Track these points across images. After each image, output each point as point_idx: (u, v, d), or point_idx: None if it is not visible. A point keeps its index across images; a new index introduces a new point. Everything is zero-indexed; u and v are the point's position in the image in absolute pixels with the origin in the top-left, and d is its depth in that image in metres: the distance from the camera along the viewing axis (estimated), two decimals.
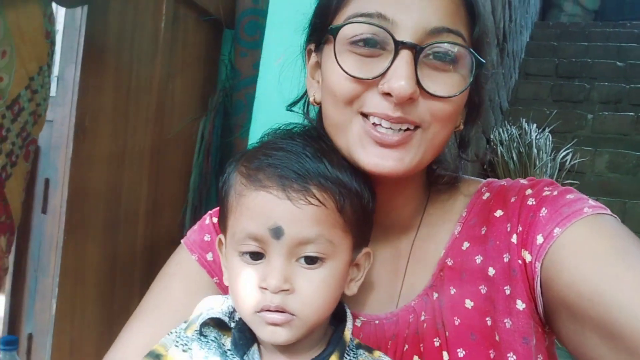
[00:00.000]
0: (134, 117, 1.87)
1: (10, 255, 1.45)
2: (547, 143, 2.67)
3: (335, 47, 0.69)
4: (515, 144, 2.53)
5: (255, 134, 1.48)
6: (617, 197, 2.66)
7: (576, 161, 2.83)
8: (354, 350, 0.68)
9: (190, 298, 0.78)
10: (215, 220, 0.85)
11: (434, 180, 0.83)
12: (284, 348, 0.65)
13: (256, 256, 0.64)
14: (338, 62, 0.68)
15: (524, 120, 2.75)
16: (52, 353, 1.63)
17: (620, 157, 3.06)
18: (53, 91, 1.67)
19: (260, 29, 2.16)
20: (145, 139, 1.93)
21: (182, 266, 0.84)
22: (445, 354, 0.71)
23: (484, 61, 0.70)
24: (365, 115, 0.68)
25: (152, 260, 1.93)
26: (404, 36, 0.66)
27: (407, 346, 0.74)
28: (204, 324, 0.67)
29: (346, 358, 0.67)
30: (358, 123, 0.69)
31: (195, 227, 0.88)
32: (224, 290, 0.80)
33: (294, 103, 0.87)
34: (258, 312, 0.62)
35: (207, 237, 0.84)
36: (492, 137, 2.49)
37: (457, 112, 0.72)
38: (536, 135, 2.62)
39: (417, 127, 0.68)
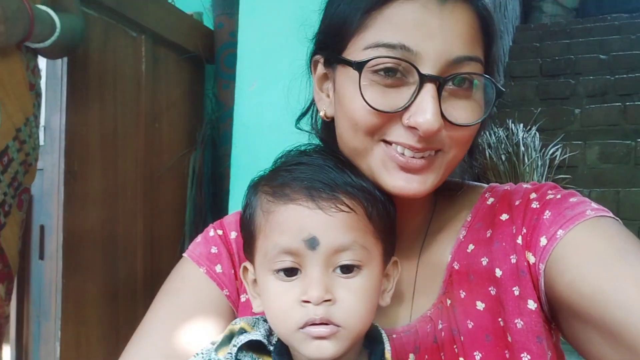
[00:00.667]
0: (123, 159, 1.92)
1: (10, 303, 1.48)
2: (535, 141, 2.69)
3: (361, 78, 0.68)
4: (503, 145, 2.56)
5: (237, 159, 1.52)
6: (610, 187, 2.67)
7: (566, 155, 2.85)
8: None
9: (200, 312, 0.76)
10: (220, 232, 0.84)
11: (440, 188, 0.82)
12: None
13: (291, 272, 0.62)
14: (364, 98, 0.67)
15: (510, 121, 2.78)
16: None
17: (610, 147, 3.07)
18: (41, 140, 1.73)
19: None
20: (136, 178, 1.97)
21: (189, 280, 0.82)
22: None
23: (504, 90, 0.71)
24: (387, 142, 0.69)
25: (153, 296, 1.95)
26: (427, 68, 0.65)
27: (427, 356, 0.74)
28: (240, 348, 0.66)
29: None
30: (380, 149, 0.69)
31: (199, 239, 0.86)
32: (234, 302, 0.79)
33: (301, 117, 0.86)
34: (302, 328, 0.61)
35: (214, 249, 0.82)
36: (479, 141, 2.51)
37: (474, 133, 0.73)
38: (523, 135, 2.65)
39: (438, 150, 0.69)
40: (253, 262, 0.68)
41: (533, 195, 0.74)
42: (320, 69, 0.77)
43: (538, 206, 0.72)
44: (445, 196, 0.83)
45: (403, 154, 0.67)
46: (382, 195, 0.69)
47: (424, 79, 0.65)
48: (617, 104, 3.52)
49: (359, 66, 0.67)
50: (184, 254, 0.86)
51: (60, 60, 1.71)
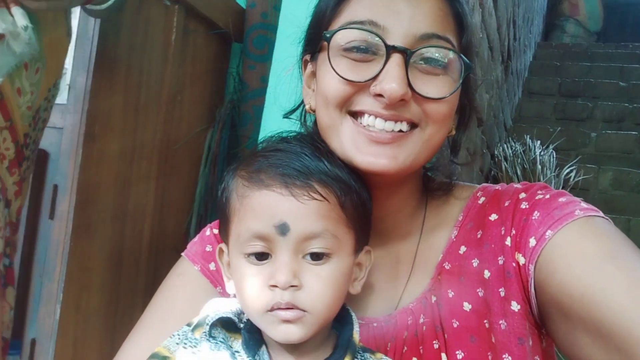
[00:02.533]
0: (142, 127, 1.90)
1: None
2: (551, 160, 2.69)
3: (329, 52, 0.71)
4: (519, 160, 2.55)
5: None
6: (621, 214, 2.67)
7: (580, 178, 2.85)
8: (361, 352, 0.69)
9: (194, 308, 0.78)
10: (216, 231, 0.86)
11: (430, 186, 0.85)
12: (292, 348, 0.66)
13: (262, 256, 0.64)
14: (331, 65, 0.70)
15: (528, 137, 2.77)
16: (54, 358, 1.63)
17: (624, 175, 3.07)
18: (64, 99, 1.70)
19: (268, 43, 2.20)
20: (153, 148, 1.95)
21: (184, 277, 0.85)
22: (443, 355, 0.72)
23: (472, 64, 0.73)
24: (354, 116, 0.71)
25: (155, 268, 1.94)
26: (394, 41, 0.69)
27: (406, 348, 0.75)
28: (213, 325, 0.68)
29: (357, 353, 0.68)
30: (349, 125, 0.71)
31: (196, 239, 0.89)
32: None
33: (291, 112, 0.91)
34: (269, 311, 0.63)
35: (208, 248, 0.85)
36: (496, 152, 2.51)
37: (451, 113, 0.74)
38: (540, 152, 2.65)
39: (414, 126, 0.71)
40: (228, 244, 0.70)
41: (522, 195, 0.75)
42: (309, 67, 0.82)
43: (527, 206, 0.73)
44: (436, 196, 0.85)
45: (373, 126, 0.69)
46: (358, 185, 0.71)
47: (390, 49, 0.68)
48: (634, 132, 3.52)
49: (328, 37, 0.71)
50: (182, 254, 0.89)
51: (93, 21, 1.68)
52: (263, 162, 0.68)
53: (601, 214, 0.70)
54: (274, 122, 1.45)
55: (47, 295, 1.67)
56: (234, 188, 0.69)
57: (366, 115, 0.70)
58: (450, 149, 0.86)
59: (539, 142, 2.78)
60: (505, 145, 2.65)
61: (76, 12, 1.68)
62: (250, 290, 0.64)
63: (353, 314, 0.71)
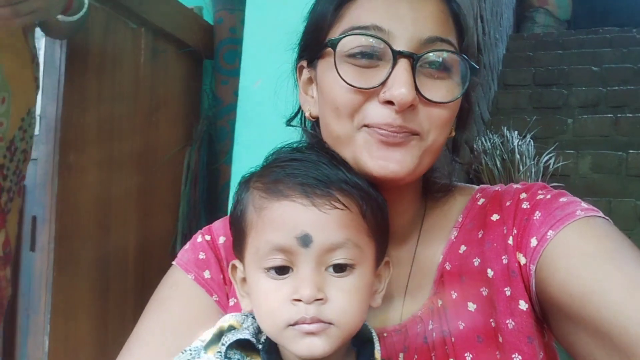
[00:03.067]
0: (119, 151, 1.89)
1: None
2: (530, 149, 2.71)
3: (337, 61, 0.70)
4: (498, 152, 2.58)
5: (238, 155, 1.50)
6: (602, 197, 2.69)
7: (559, 164, 2.88)
8: None
9: (191, 319, 0.76)
10: (208, 238, 0.83)
11: (430, 188, 0.84)
12: None
13: (283, 270, 0.61)
14: (339, 74, 0.69)
15: (505, 128, 2.80)
16: None
17: (602, 158, 3.11)
18: (36, 130, 1.69)
19: (239, 57, 2.20)
20: (131, 173, 1.94)
21: (178, 287, 0.82)
22: None
23: (477, 67, 0.73)
24: (368, 127, 0.70)
25: (143, 293, 1.92)
26: (400, 46, 0.68)
27: (416, 357, 0.73)
28: (229, 346, 0.65)
29: None
30: (362, 135, 0.70)
31: (187, 246, 0.86)
32: (224, 308, 0.79)
33: (292, 119, 0.88)
34: (292, 325, 0.60)
35: (202, 255, 0.82)
36: (475, 146, 2.53)
37: (453, 117, 0.74)
38: (518, 142, 2.68)
39: (415, 134, 0.70)
40: (243, 260, 0.67)
41: (523, 196, 0.75)
42: (305, 73, 0.80)
43: (528, 206, 0.72)
44: (435, 198, 0.84)
45: (382, 129, 0.68)
46: (377, 194, 0.69)
47: (396, 54, 0.67)
48: (609, 115, 3.56)
49: (334, 44, 0.70)
50: (173, 262, 0.86)
51: (59, 48, 1.68)
52: (280, 172, 0.65)
53: (601, 214, 0.70)
54: (247, 136, 1.45)
55: (35, 328, 1.65)
56: (250, 200, 0.66)
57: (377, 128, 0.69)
58: (451, 149, 0.85)
59: (516, 132, 2.81)
60: (483, 139, 2.67)
61: (41, 41, 1.68)
62: (272, 305, 0.61)
63: (373, 330, 0.68)
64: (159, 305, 0.82)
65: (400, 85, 0.66)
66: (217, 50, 2.25)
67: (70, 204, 1.69)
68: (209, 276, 0.80)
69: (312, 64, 0.78)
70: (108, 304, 1.82)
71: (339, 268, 0.61)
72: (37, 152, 1.68)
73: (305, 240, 0.60)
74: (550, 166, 2.81)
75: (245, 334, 0.65)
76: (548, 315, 0.70)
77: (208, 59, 2.33)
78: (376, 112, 0.69)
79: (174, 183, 2.19)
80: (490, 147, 2.49)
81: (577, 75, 4.23)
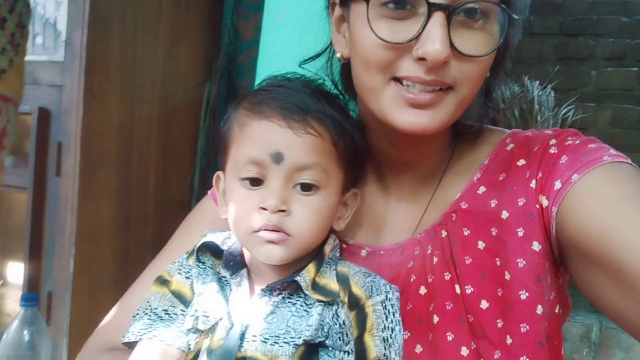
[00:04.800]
0: (141, 81, 1.91)
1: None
2: (549, 99, 2.68)
3: (369, 12, 0.68)
4: (517, 101, 2.55)
5: None
6: (620, 152, 2.67)
7: (578, 117, 2.84)
8: (335, 261, 0.73)
9: None
10: None
11: (460, 130, 0.84)
12: (272, 272, 0.70)
13: (255, 182, 0.68)
14: (373, 30, 0.68)
15: (526, 77, 2.76)
16: (71, 309, 1.71)
17: (623, 112, 3.05)
18: (61, 56, 1.71)
19: None
20: (152, 103, 1.96)
21: (206, 215, 0.87)
22: (457, 287, 0.74)
23: (516, 17, 0.70)
24: (397, 80, 0.69)
25: (163, 221, 1.99)
26: None
27: (414, 277, 0.77)
28: (201, 252, 0.73)
29: (326, 266, 0.71)
30: (392, 89, 0.69)
31: None
32: None
33: (311, 59, 0.86)
34: (256, 231, 0.67)
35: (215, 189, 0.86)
36: (493, 95, 2.50)
37: (487, 70, 0.72)
38: (538, 92, 2.64)
39: (449, 88, 0.69)
40: (224, 171, 0.74)
41: (553, 141, 0.75)
42: (337, 10, 0.78)
43: (556, 151, 0.73)
44: (465, 140, 0.84)
45: (414, 86, 0.68)
46: (352, 129, 0.73)
47: (431, 7, 0.65)
48: (634, 69, 3.47)
49: None
50: (208, 191, 0.90)
51: None
52: (265, 95, 0.70)
53: (629, 160, 0.70)
54: (268, 72, 1.45)
55: (60, 250, 1.73)
56: (236, 117, 0.72)
57: (408, 81, 0.69)
58: (484, 92, 0.83)
59: (537, 82, 2.77)
60: (503, 87, 2.63)
61: None
62: (241, 211, 0.69)
63: (333, 235, 0.75)
64: (187, 228, 0.88)
65: (434, 41, 0.64)
66: None
67: (94, 131, 1.73)
68: None
69: (344, 3, 0.76)
70: (129, 230, 1.89)
71: (305, 187, 0.68)
72: (62, 79, 1.71)
73: (277, 157, 0.66)
74: (569, 118, 2.78)
75: (212, 238, 0.73)
76: (566, 257, 0.71)
77: None
78: (408, 66, 0.68)
79: (193, 117, 2.21)
80: (509, 95, 2.46)
81: (605, 25, 4.09)
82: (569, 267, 0.72)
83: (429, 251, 0.77)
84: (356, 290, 0.70)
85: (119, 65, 1.80)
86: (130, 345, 0.71)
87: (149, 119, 1.96)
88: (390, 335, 0.69)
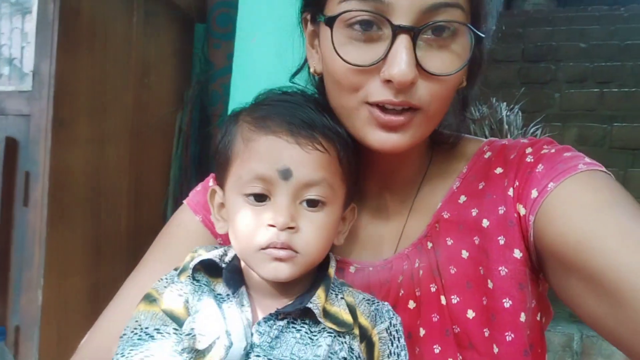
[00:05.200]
0: (111, 110, 1.89)
1: None
2: (517, 119, 2.75)
3: (333, 36, 0.68)
4: (487, 122, 2.61)
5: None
6: None
7: (546, 135, 2.92)
8: (339, 287, 0.71)
9: None
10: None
11: (437, 139, 0.84)
12: (273, 289, 0.68)
13: (260, 198, 0.66)
14: (338, 53, 0.67)
15: (494, 99, 2.84)
16: (40, 343, 1.64)
17: (587, 130, 3.16)
18: (29, 86, 1.69)
19: (231, 21, 2.20)
20: (124, 131, 1.95)
21: (184, 226, 0.84)
22: (442, 297, 0.74)
23: (483, 36, 0.69)
24: (370, 104, 0.69)
25: (135, 250, 1.95)
26: (400, 18, 0.64)
27: (402, 291, 0.76)
28: (196, 270, 0.69)
29: (332, 292, 0.70)
30: (365, 110, 0.69)
31: (199, 188, 0.88)
32: None
33: (296, 73, 0.86)
34: (263, 249, 0.64)
35: (209, 203, 0.83)
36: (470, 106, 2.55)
37: (457, 84, 0.71)
38: (506, 113, 2.71)
39: (418, 108, 0.68)
40: (224, 186, 0.71)
41: (529, 150, 0.76)
42: (310, 26, 0.78)
43: (532, 160, 0.73)
44: (442, 149, 0.84)
45: (384, 108, 0.67)
46: (354, 144, 0.72)
47: (396, 29, 0.64)
48: (595, 90, 3.61)
49: (329, 21, 0.68)
50: (183, 201, 0.88)
51: (52, 4, 1.67)
52: (269, 109, 0.68)
53: (604, 168, 0.71)
54: (243, 95, 1.45)
55: (28, 283, 1.67)
56: (239, 132, 0.69)
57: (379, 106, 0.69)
58: (460, 103, 0.82)
59: (504, 103, 2.84)
60: (472, 109, 2.69)
61: None
62: (247, 228, 0.66)
63: (331, 254, 0.73)
64: (164, 241, 0.85)
65: (399, 64, 0.64)
66: (210, 12, 2.25)
67: (63, 160, 1.70)
68: None
69: (314, 20, 0.75)
70: (100, 261, 1.84)
71: (312, 203, 0.66)
72: (30, 108, 1.69)
73: (285, 174, 0.65)
74: (537, 136, 2.85)
75: (210, 255, 0.70)
76: (544, 265, 0.72)
77: (200, 23, 2.32)
78: (378, 90, 0.67)
79: (165, 146, 2.21)
80: (478, 116, 2.52)
81: (565, 51, 4.27)
82: (548, 275, 0.72)
83: (417, 265, 0.77)
84: (363, 321, 0.69)
85: (88, 94, 1.79)
86: None
87: (120, 148, 1.95)
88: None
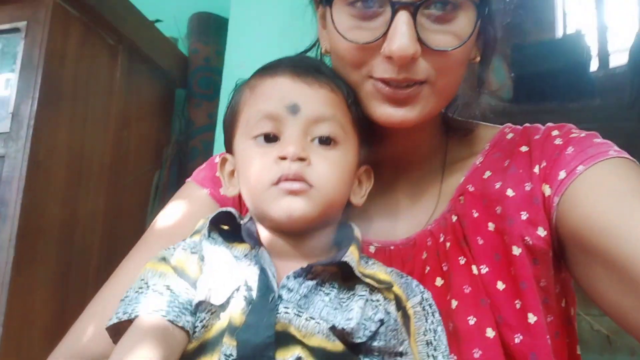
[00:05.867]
0: (89, 159, 1.86)
1: None
2: None
3: (334, 14, 0.69)
4: None
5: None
6: None
7: None
8: (365, 259, 0.67)
9: None
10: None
11: (452, 125, 0.83)
12: (291, 248, 0.63)
13: (269, 139, 0.63)
14: (338, 30, 0.68)
15: None
16: None
17: None
18: (7, 127, 1.66)
19: (213, 84, 2.27)
20: (100, 181, 1.90)
21: (190, 200, 0.80)
22: (474, 267, 0.71)
23: (486, 6, 0.69)
24: (373, 78, 0.69)
25: None
26: None
27: (428, 268, 0.73)
28: (211, 228, 0.65)
29: (362, 258, 0.66)
30: (370, 85, 0.69)
31: (203, 166, 0.86)
32: None
33: (306, 51, 0.87)
34: (275, 184, 0.61)
35: (219, 173, 0.80)
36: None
37: (464, 59, 0.70)
38: None
39: (424, 82, 0.68)
40: (232, 146, 0.69)
41: (555, 132, 0.75)
42: (320, 7, 0.80)
43: (561, 142, 0.72)
44: (459, 135, 0.84)
45: (388, 83, 0.68)
46: (368, 123, 0.71)
47: (395, 5, 0.64)
48: None
49: (329, 1, 0.70)
50: (187, 180, 0.85)
51: (38, 50, 1.69)
52: (273, 62, 0.69)
53: (632, 158, 0.71)
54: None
55: None
56: (245, 87, 0.69)
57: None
58: (477, 82, 0.81)
59: None
60: None
61: (20, 44, 1.69)
62: (257, 167, 0.63)
63: (354, 225, 0.69)
64: (169, 215, 0.80)
65: (398, 39, 0.63)
66: (191, 76, 2.31)
67: (36, 202, 1.63)
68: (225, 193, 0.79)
69: (321, 1, 0.77)
70: (66, 313, 1.70)
71: (324, 141, 0.64)
72: (5, 149, 1.64)
73: (293, 109, 0.63)
74: None
75: (228, 209, 0.67)
76: (565, 250, 0.70)
77: (181, 88, 2.37)
78: (380, 66, 0.67)
79: (141, 202, 2.15)
80: None
81: None
82: (569, 261, 0.70)
83: (442, 239, 0.74)
84: (397, 289, 0.64)
85: (67, 140, 1.76)
86: (116, 333, 0.58)
87: (95, 196, 1.89)
88: (434, 337, 0.63)
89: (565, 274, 0.74)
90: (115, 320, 0.58)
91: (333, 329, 0.56)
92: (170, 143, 2.26)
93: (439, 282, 0.72)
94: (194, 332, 0.58)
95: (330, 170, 0.63)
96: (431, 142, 0.82)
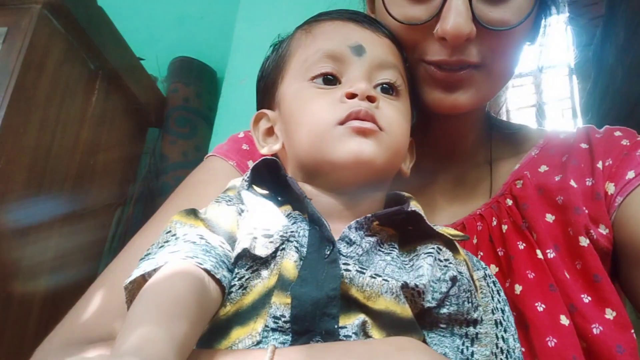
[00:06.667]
0: (50, 178, 1.71)
1: None
2: None
3: None
4: None
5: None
6: None
7: None
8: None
9: None
10: (250, 133, 0.76)
11: (495, 124, 0.81)
12: (340, 204, 0.55)
13: (329, 81, 0.57)
14: (388, 11, 0.65)
15: None
16: None
17: None
18: None
19: (190, 123, 2.20)
20: (58, 204, 1.73)
21: (215, 172, 0.73)
22: (538, 252, 0.64)
23: None
24: (426, 62, 0.66)
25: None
26: None
27: (481, 253, 0.67)
28: (252, 181, 0.58)
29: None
30: (422, 69, 0.66)
31: (225, 142, 0.80)
32: None
33: None
34: (341, 123, 0.53)
35: (245, 147, 0.75)
36: None
37: (521, 41, 0.67)
38: None
39: (479, 65, 0.64)
40: (272, 103, 0.64)
41: (618, 134, 0.72)
42: None
43: (629, 143, 0.70)
44: (503, 134, 0.81)
45: (441, 67, 0.65)
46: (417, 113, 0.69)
47: None
48: None
49: None
50: (208, 154, 0.78)
51: (15, 57, 1.59)
52: (327, 11, 0.66)
53: None
54: (229, 126, 1.40)
55: None
56: (298, 31, 0.64)
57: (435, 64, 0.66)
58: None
59: None
60: None
61: None
62: (318, 106, 0.56)
63: (411, 196, 0.62)
64: (191, 188, 0.73)
65: (452, 19, 0.60)
66: (169, 114, 2.23)
67: None
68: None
69: None
70: None
71: (387, 89, 0.59)
72: None
73: (359, 50, 0.58)
74: None
75: (272, 158, 0.61)
76: (618, 255, 0.65)
77: (155, 127, 2.28)
78: (433, 48, 0.64)
79: (99, 239, 1.97)
80: None
81: None
82: (620, 269, 0.65)
83: (494, 223, 0.68)
84: (465, 256, 0.58)
85: (32, 152, 1.63)
86: (132, 293, 0.46)
87: (50, 221, 1.71)
88: (502, 317, 0.54)
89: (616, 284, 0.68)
90: (137, 274, 0.45)
91: (405, 287, 0.47)
92: (137, 181, 2.12)
93: (493, 269, 0.66)
94: (230, 292, 0.47)
95: (398, 117, 0.58)
96: (476, 137, 0.79)
